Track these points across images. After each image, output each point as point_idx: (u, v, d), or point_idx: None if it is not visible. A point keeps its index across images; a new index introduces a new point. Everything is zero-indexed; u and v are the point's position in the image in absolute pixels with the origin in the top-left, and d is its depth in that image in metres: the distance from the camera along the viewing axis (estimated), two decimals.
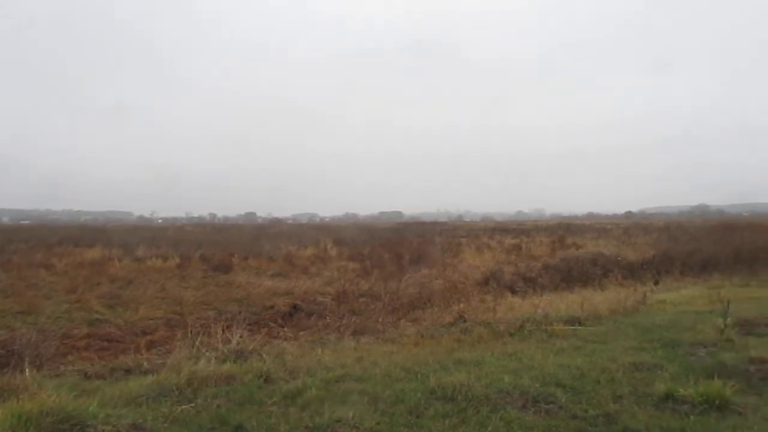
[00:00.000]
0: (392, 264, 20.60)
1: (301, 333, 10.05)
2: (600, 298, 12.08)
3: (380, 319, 10.72)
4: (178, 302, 13.83)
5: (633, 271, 18.82)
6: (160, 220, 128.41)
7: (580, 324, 9.50)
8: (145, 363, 7.67)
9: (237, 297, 15.19)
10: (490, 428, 4.69)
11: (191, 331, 8.41)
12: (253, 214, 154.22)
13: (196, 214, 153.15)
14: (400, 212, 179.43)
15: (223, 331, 8.36)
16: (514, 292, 14.45)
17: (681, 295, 13.30)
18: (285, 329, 10.46)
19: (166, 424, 4.79)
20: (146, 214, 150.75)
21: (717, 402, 5.09)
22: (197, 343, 7.69)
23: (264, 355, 7.46)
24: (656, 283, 16.45)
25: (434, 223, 76.59)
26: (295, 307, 13.71)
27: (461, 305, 11.45)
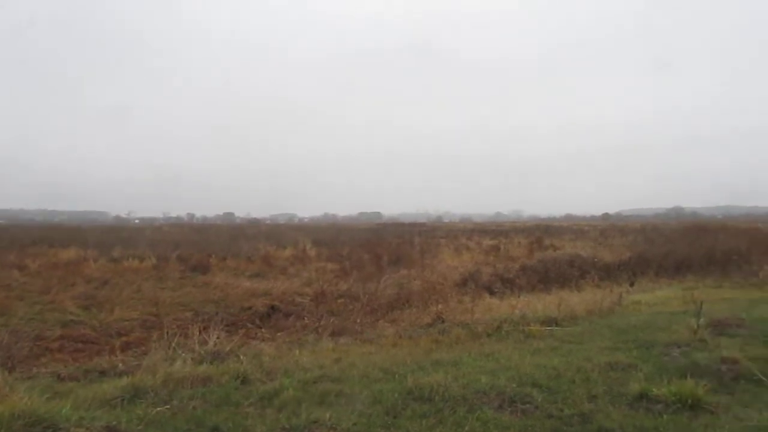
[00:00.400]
0: (371, 265, 20.58)
1: (279, 334, 10.00)
2: (577, 299, 12.19)
3: (359, 320, 10.71)
4: (154, 303, 13.67)
5: (609, 273, 18.99)
6: (137, 221, 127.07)
7: (556, 325, 9.58)
8: (120, 364, 7.57)
9: (214, 298, 15.07)
10: (466, 428, 4.70)
11: (167, 333, 8.35)
12: (232, 214, 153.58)
13: (173, 215, 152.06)
14: (379, 213, 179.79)
15: (200, 332, 8.31)
16: (492, 293, 14.50)
17: (656, 296, 13.48)
18: (263, 330, 10.40)
19: (140, 427, 4.74)
20: (123, 214, 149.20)
21: (690, 401, 5.16)
22: (173, 344, 7.64)
23: (241, 356, 7.42)
24: (632, 284, 16.59)
25: (413, 224, 76.74)
26: (273, 308, 13.64)
27: (439, 306, 11.47)
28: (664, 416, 4.91)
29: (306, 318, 11.26)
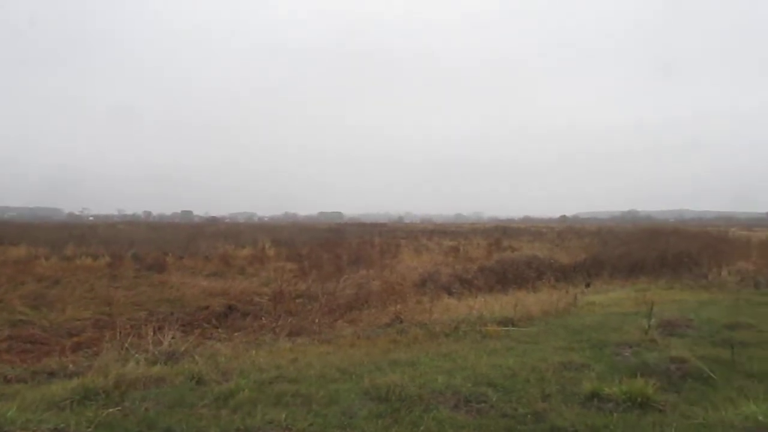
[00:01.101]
0: (330, 265, 20.52)
1: (236, 334, 9.86)
2: (533, 300, 12.36)
3: (317, 320, 10.65)
4: (107, 302, 13.37)
5: (565, 274, 19.32)
6: (91, 218, 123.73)
7: (513, 325, 9.70)
8: (71, 365, 7.36)
9: (170, 297, 14.80)
10: (422, 428, 4.73)
11: (120, 333, 8.19)
12: (190, 212, 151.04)
13: (129, 212, 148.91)
14: (340, 213, 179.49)
15: (155, 332, 8.16)
16: (450, 293, 14.61)
17: (610, 297, 13.75)
18: (219, 330, 10.25)
19: (90, 429, 4.61)
20: (76, 211, 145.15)
21: (639, 400, 5.30)
22: (126, 344, 7.49)
23: (196, 357, 7.30)
24: (587, 285, 16.94)
25: (374, 224, 76.78)
26: (230, 307, 13.49)
27: (398, 306, 11.50)
28: (615, 415, 5.02)
29: (264, 318, 11.15)
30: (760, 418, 4.85)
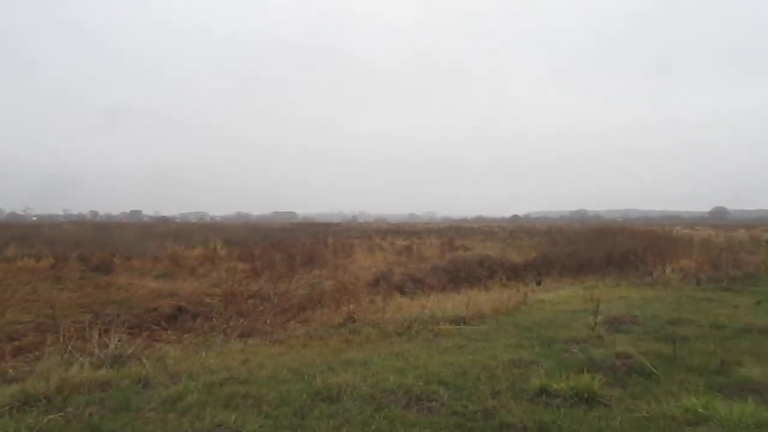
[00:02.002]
0: (283, 265, 20.35)
1: (186, 336, 9.69)
2: (485, 298, 12.50)
3: (269, 321, 10.54)
4: (50, 305, 12.93)
5: (517, 273, 19.58)
6: (34, 218, 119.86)
7: (465, 323, 9.80)
8: (11, 371, 7.08)
9: (117, 299, 14.42)
10: (373, 427, 4.73)
11: (64, 336, 7.93)
12: (139, 212, 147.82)
13: (75, 212, 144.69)
14: (293, 213, 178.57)
15: (101, 335, 7.94)
16: (403, 292, 14.64)
17: (559, 295, 13.99)
18: (168, 332, 10.04)
19: None
20: (19, 210, 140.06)
21: (586, 395, 5.42)
22: (70, 347, 7.27)
23: (144, 360, 7.15)
24: (538, 283, 17.20)
25: (328, 224, 76.65)
26: (179, 309, 13.22)
27: (351, 306, 11.48)
28: (562, 410, 5.13)
29: (214, 319, 10.96)
30: (700, 410, 5.02)
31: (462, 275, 18.22)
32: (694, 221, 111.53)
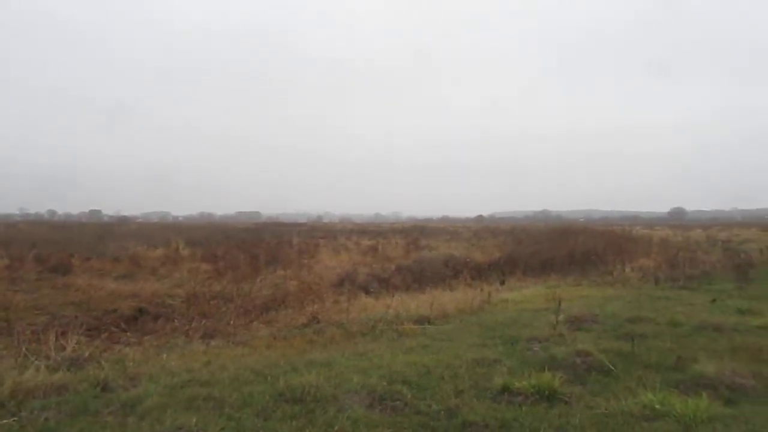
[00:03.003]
0: (247, 265, 20.12)
1: (146, 337, 9.49)
2: (449, 298, 12.56)
3: (232, 322, 10.41)
4: (5, 307, 12.53)
5: (481, 272, 19.69)
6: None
7: (429, 323, 9.85)
8: None
9: (76, 300, 14.08)
10: (336, 428, 4.72)
11: (19, 338, 7.71)
12: (99, 211, 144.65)
13: (32, 211, 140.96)
14: (258, 213, 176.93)
15: (57, 337, 7.75)
16: (368, 292, 14.63)
17: (522, 294, 14.14)
18: (128, 334, 9.80)
19: None
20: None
21: (547, 393, 5.52)
22: (25, 350, 7.07)
23: (102, 362, 6.99)
24: (502, 283, 17.34)
25: (293, 224, 76.21)
26: (140, 310, 12.97)
27: (315, 306, 11.44)
28: (524, 408, 5.21)
29: (176, 320, 10.77)
30: (657, 406, 5.15)
31: (427, 275, 18.26)
32: (653, 222, 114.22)
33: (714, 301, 11.89)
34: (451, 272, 18.93)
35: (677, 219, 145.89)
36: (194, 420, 4.80)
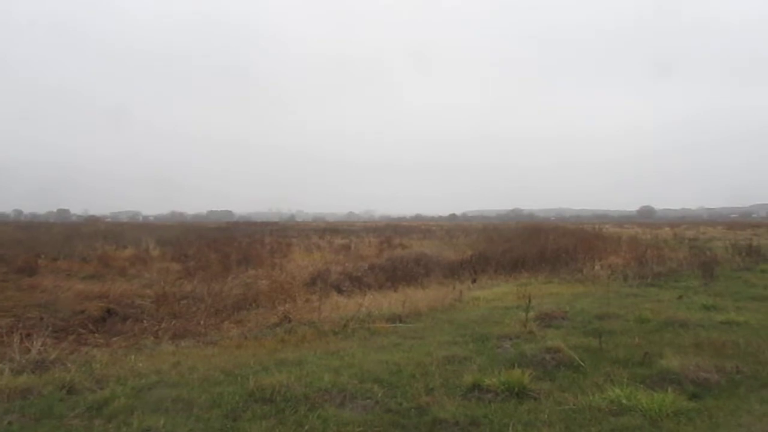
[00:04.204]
0: (218, 265, 19.95)
1: (114, 339, 9.34)
2: (421, 296, 12.59)
3: (202, 322, 10.31)
4: None
5: (453, 270, 19.74)
6: None
7: (401, 321, 9.87)
8: None
9: (42, 302, 13.76)
10: (306, 427, 4.71)
11: None
12: (66, 211, 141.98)
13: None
14: (230, 212, 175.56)
15: (22, 339, 7.63)
16: (340, 291, 14.58)
17: (494, 292, 14.22)
18: (96, 335, 9.64)
19: None
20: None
21: (517, 389, 5.58)
22: None
23: (69, 364, 6.88)
24: (474, 281, 17.41)
25: (265, 223, 75.71)
26: (109, 311, 12.73)
27: (287, 305, 11.37)
28: (493, 404, 5.26)
29: (145, 321, 10.63)
30: (624, 401, 5.23)
31: (399, 273, 18.24)
32: (622, 220, 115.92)
33: (680, 297, 12.10)
34: (423, 270, 18.96)
35: (646, 217, 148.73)
36: (162, 422, 4.76)
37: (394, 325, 9.55)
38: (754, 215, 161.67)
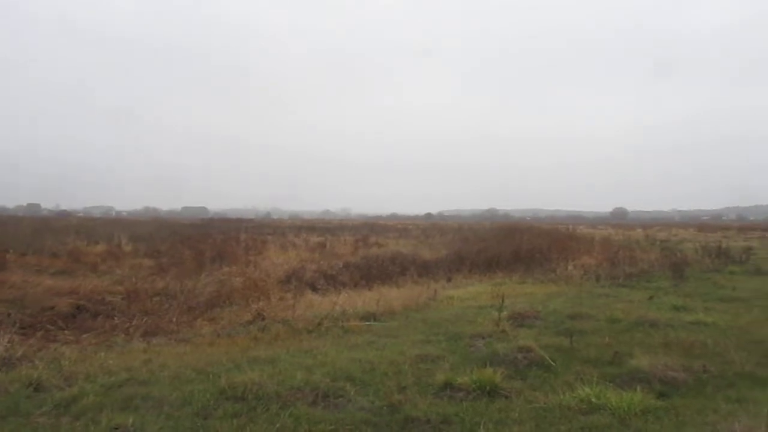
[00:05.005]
0: (192, 261, 19.73)
1: (84, 336, 9.18)
2: (395, 295, 12.62)
3: (174, 319, 10.20)
4: None
5: (428, 269, 19.79)
6: None
7: (375, 320, 9.88)
8: None
9: (9, 298, 13.48)
10: (278, 425, 4.69)
11: None
12: (37, 205, 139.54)
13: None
14: (205, 208, 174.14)
15: None
16: (315, 289, 14.53)
17: (468, 292, 14.28)
18: (65, 332, 9.48)
19: None
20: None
21: (488, 388, 5.63)
22: None
23: (36, 362, 6.77)
24: (448, 280, 17.50)
25: (241, 220, 75.11)
26: (79, 307, 12.54)
27: (261, 303, 11.30)
28: (465, 403, 5.29)
29: (116, 318, 10.47)
30: (594, 400, 5.30)
31: (374, 272, 18.23)
32: (596, 221, 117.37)
33: (651, 298, 12.29)
34: (398, 269, 18.96)
35: (619, 219, 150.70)
36: (131, 420, 4.70)
37: (368, 323, 9.55)
38: (724, 218, 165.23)
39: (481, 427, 4.72)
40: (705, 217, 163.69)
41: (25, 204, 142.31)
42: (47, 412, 5.00)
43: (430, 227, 59.27)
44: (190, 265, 18.12)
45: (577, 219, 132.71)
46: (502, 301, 9.56)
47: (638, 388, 5.62)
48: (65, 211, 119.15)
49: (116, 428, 4.57)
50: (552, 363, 6.69)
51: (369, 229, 53.48)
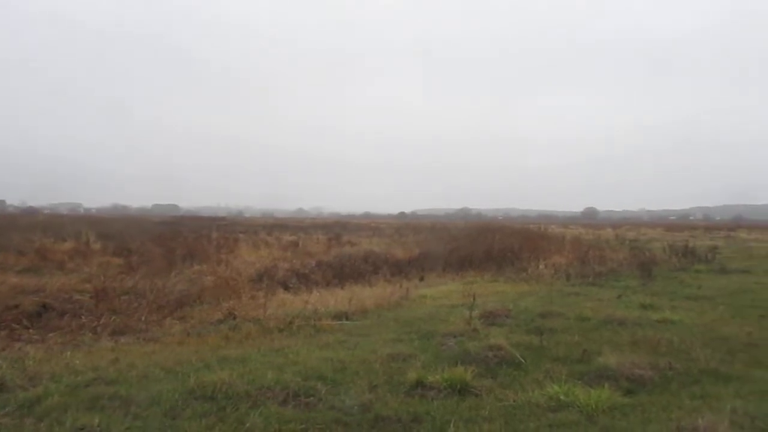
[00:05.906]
0: (162, 260, 19.47)
1: (50, 335, 9.00)
2: (368, 294, 12.61)
3: (143, 318, 10.06)
4: None
5: (401, 268, 19.81)
6: None
7: (347, 319, 9.87)
8: None
9: None
10: (248, 425, 4.66)
11: None
12: (2, 202, 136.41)
13: None
14: (176, 205, 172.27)
15: None
16: (287, 288, 14.44)
17: (440, 291, 14.33)
18: (30, 331, 9.30)
19: None
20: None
21: (459, 386, 5.66)
22: None
23: (0, 361, 6.63)
24: (421, 279, 17.55)
25: (212, 218, 74.52)
26: (45, 306, 12.29)
27: (232, 302, 11.22)
28: (436, 401, 5.32)
29: (84, 317, 10.29)
30: (562, 397, 5.36)
31: (347, 271, 18.19)
32: (567, 220, 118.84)
33: (620, 296, 12.49)
34: (371, 268, 18.96)
35: (590, 218, 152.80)
36: (97, 420, 4.63)
37: (340, 322, 9.54)
38: (691, 217, 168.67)
39: (452, 425, 4.75)
40: (672, 217, 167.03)
41: None
42: (10, 412, 4.90)
43: (404, 226, 59.37)
44: (160, 264, 17.87)
45: (549, 218, 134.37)
46: (474, 299, 9.63)
47: (606, 386, 5.70)
48: (32, 207, 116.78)
49: (82, 429, 4.50)
50: (522, 361, 6.75)
51: (342, 227, 53.42)
